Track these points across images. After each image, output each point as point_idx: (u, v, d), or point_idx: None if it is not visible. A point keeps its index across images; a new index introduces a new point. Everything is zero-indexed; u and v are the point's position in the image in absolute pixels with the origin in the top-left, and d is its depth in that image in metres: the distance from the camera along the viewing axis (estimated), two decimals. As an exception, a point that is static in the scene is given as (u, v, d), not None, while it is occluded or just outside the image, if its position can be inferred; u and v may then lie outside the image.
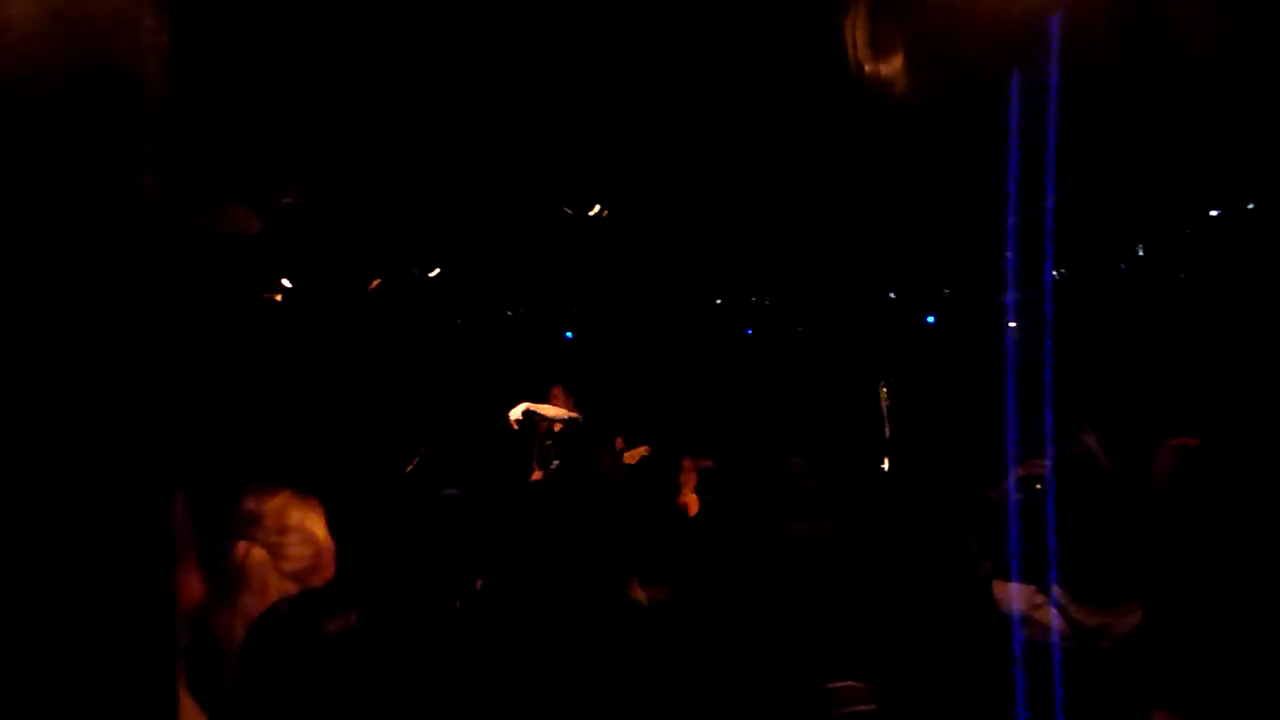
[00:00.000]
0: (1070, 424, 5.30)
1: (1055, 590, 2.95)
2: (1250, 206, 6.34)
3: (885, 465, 5.64)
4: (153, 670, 0.96)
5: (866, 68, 3.87)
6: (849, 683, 1.64)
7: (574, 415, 5.56)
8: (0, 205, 0.90)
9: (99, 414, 0.93)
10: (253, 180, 5.14)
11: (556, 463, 5.15)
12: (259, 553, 1.63)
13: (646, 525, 2.70)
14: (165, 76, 0.98)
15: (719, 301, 9.33)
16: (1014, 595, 2.94)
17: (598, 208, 5.83)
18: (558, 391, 5.80)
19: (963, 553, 3.37)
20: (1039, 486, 3.21)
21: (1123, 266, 7.51)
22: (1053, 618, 2.91)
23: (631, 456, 5.52)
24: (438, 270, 7.12)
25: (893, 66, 3.90)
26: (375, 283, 7.06)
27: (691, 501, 4.17)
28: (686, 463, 4.21)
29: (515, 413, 5.50)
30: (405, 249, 6.87)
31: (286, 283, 6.48)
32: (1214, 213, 6.50)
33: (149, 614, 0.96)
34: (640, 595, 2.36)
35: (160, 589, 0.98)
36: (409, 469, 5.37)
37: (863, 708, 1.59)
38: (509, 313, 9.15)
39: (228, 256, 5.97)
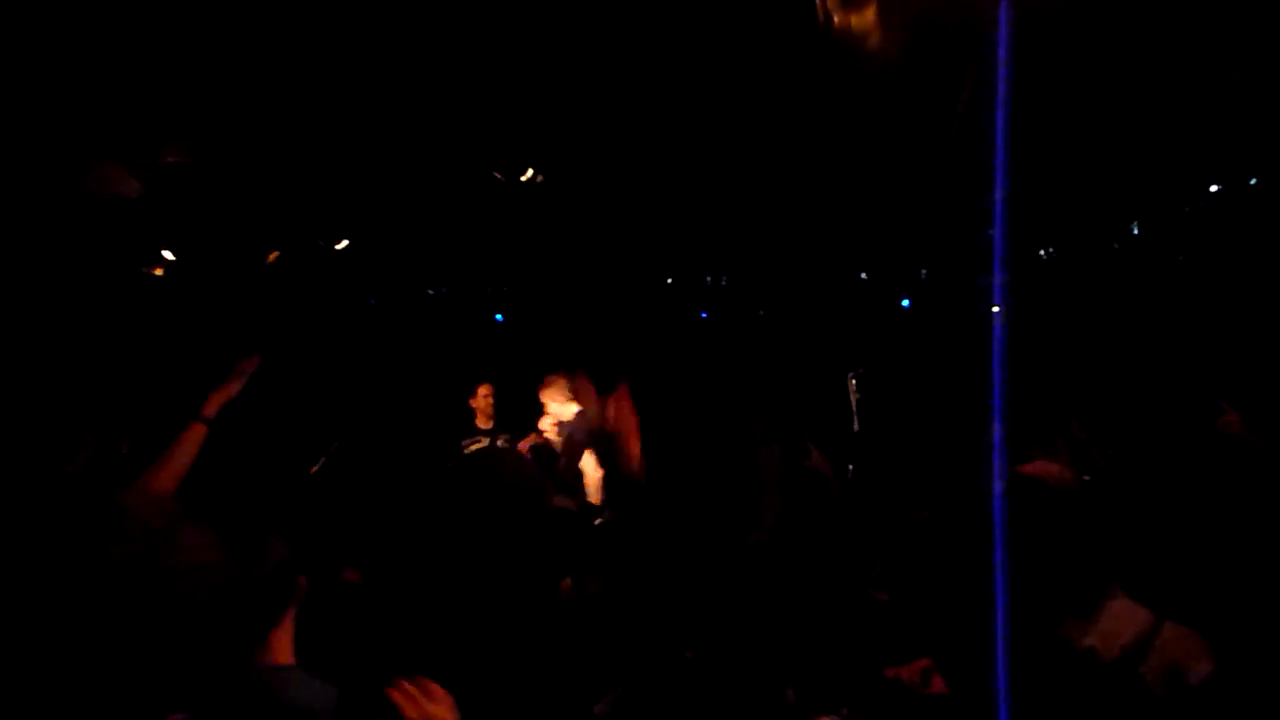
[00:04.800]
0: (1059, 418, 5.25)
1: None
2: (1253, 182, 6.27)
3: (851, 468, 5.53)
4: None
5: (835, 20, 3.78)
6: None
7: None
8: None
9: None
10: (132, 135, 4.80)
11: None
12: None
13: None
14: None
15: (669, 281, 9.21)
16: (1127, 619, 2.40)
17: (531, 172, 5.60)
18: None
19: (862, 574, 3.38)
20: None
21: (1116, 246, 7.44)
22: None
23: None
24: (346, 242, 6.89)
25: (864, 19, 3.82)
26: (273, 256, 6.85)
27: None
28: None
29: None
30: (309, 217, 6.61)
31: (169, 255, 6.19)
32: (1214, 188, 6.46)
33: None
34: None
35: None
36: (315, 469, 5.16)
37: None
38: (430, 291, 8.99)
39: (101, 223, 5.66)
